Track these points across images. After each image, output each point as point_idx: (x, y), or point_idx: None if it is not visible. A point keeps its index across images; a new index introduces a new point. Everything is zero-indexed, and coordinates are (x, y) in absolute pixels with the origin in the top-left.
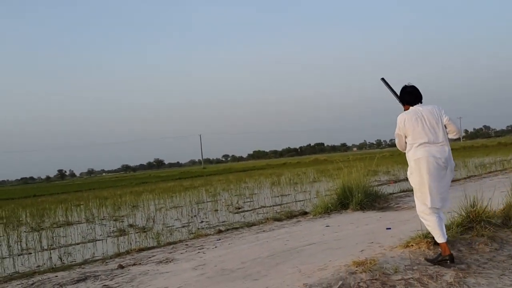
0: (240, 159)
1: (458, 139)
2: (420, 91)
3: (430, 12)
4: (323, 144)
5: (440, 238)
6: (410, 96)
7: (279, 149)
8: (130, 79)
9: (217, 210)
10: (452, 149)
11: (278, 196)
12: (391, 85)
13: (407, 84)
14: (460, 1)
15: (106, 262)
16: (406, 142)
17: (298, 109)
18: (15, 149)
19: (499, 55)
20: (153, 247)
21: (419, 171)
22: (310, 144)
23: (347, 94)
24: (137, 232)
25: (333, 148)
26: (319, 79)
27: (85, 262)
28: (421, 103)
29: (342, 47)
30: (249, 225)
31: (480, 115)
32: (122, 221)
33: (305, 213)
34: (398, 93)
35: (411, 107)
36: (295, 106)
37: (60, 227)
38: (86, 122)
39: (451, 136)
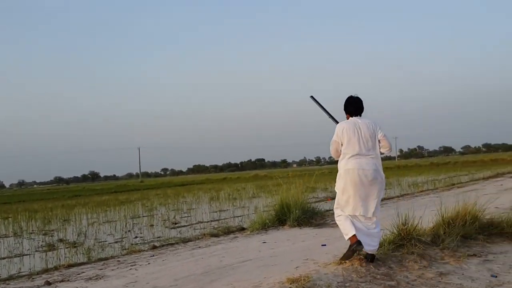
0: (180, 173)
1: (393, 157)
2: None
3: (366, 27)
4: (263, 160)
5: (347, 230)
6: (353, 107)
7: (220, 163)
8: (66, 93)
9: (152, 225)
10: (387, 168)
11: (216, 212)
12: (321, 103)
13: (353, 95)
14: (391, 19)
15: (33, 278)
16: (341, 150)
17: (239, 124)
18: None
19: (436, 76)
20: (83, 263)
21: (346, 180)
22: (251, 160)
23: (287, 111)
24: (67, 247)
25: (274, 164)
26: (261, 95)
27: (10, 278)
28: (360, 115)
29: (281, 62)
30: (185, 241)
31: (414, 135)
32: (52, 236)
33: (242, 229)
34: (328, 109)
35: (351, 118)
36: (236, 121)
37: None
38: (17, 131)
39: (383, 150)
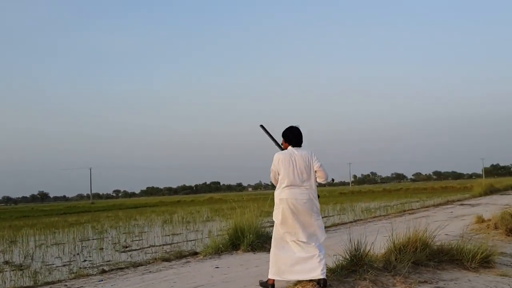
0: (132, 195)
1: (348, 183)
2: (303, 135)
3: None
4: (219, 183)
5: (272, 273)
6: (292, 137)
7: (174, 186)
8: (14, 104)
9: (102, 248)
10: (341, 194)
11: (169, 235)
12: (270, 132)
13: (294, 126)
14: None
15: None
16: (276, 175)
17: (194, 146)
18: None
19: (391, 103)
20: (29, 287)
21: (281, 210)
22: (206, 183)
23: (243, 135)
24: (13, 270)
25: (229, 188)
26: (219, 115)
27: None
28: (299, 146)
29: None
30: (136, 265)
31: (367, 161)
32: None
33: (195, 254)
34: (277, 138)
35: (289, 148)
36: (191, 143)
37: None
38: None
39: (319, 180)
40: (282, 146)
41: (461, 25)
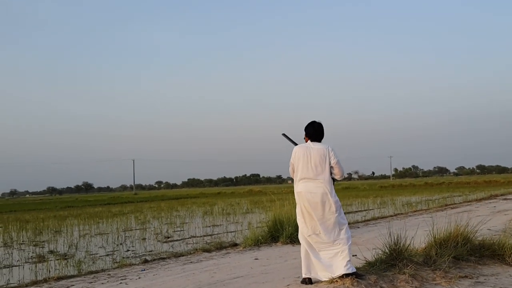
0: (174, 186)
1: (388, 176)
2: (325, 130)
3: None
4: (258, 175)
5: (303, 271)
6: (312, 131)
7: (215, 178)
8: (61, 104)
9: (145, 238)
10: (381, 187)
11: (209, 226)
12: (292, 139)
13: (316, 121)
14: (381, 41)
15: None
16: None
17: (235, 139)
18: None
19: (430, 96)
20: (73, 276)
21: (299, 203)
22: (245, 175)
23: (284, 127)
24: (57, 259)
25: (269, 180)
26: (258, 110)
27: None
28: (319, 141)
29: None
30: (177, 255)
31: (409, 155)
32: (43, 247)
33: (235, 245)
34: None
35: (308, 141)
36: (232, 136)
37: None
38: (10, 140)
39: (335, 177)
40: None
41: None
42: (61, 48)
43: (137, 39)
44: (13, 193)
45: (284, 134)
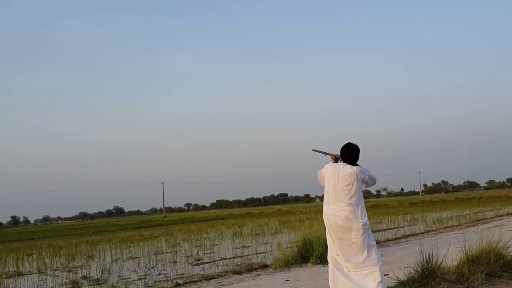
0: (203, 208)
1: (418, 192)
2: (360, 153)
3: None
4: (286, 194)
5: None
6: (346, 153)
7: (243, 198)
8: (90, 130)
9: (176, 261)
10: (411, 203)
11: (239, 248)
12: (324, 150)
13: (352, 143)
14: (424, 59)
15: None
16: (321, 180)
17: (262, 159)
18: None
19: (459, 112)
20: None
21: (325, 224)
22: (273, 195)
23: (309, 145)
24: (90, 284)
25: (296, 199)
26: (285, 128)
27: None
28: (353, 164)
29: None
30: (208, 278)
31: (438, 170)
32: (76, 272)
33: (265, 266)
34: (338, 152)
35: (340, 162)
36: (259, 156)
37: (10, 277)
38: (41, 167)
39: (368, 187)
40: (339, 158)
41: None
42: (87, 74)
43: (161, 64)
44: (46, 219)
45: (314, 149)
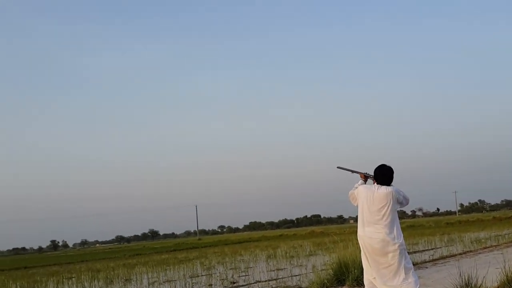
0: (236, 230)
1: (454, 212)
2: (395, 173)
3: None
4: (319, 215)
5: None
6: (380, 175)
7: (276, 220)
8: (124, 154)
9: (211, 284)
10: (448, 223)
11: (273, 270)
12: (348, 168)
13: (386, 165)
14: (455, 82)
15: None
16: (354, 200)
17: (295, 180)
18: (7, 219)
19: (495, 131)
20: None
21: (361, 246)
22: (306, 216)
23: (341, 161)
24: None
25: (330, 220)
26: (316, 151)
27: None
28: (387, 185)
29: (339, 118)
30: None
31: (475, 189)
32: None
33: None
34: (366, 171)
35: (374, 184)
36: (291, 177)
37: None
38: (79, 192)
39: (402, 208)
40: (370, 176)
41: None
42: (117, 97)
43: (194, 87)
44: (84, 243)
45: (339, 167)
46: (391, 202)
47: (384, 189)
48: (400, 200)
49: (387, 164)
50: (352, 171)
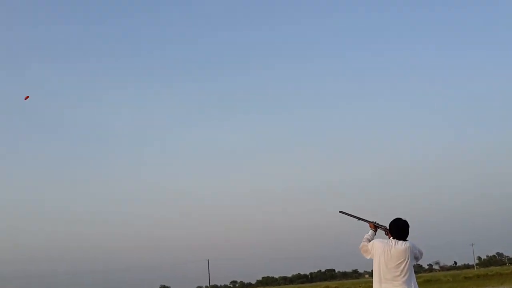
0: (249, 285)
1: (472, 266)
2: (410, 228)
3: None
4: (334, 270)
5: None
6: (395, 229)
7: (289, 275)
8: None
9: None
10: (466, 277)
11: None
12: (353, 214)
13: (401, 219)
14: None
15: None
16: (366, 253)
17: (308, 234)
18: None
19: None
20: None
21: None
22: (320, 270)
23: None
24: None
25: (344, 275)
26: (327, 204)
27: None
28: (404, 240)
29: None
30: None
31: (492, 241)
32: None
33: None
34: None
35: (390, 238)
36: (305, 231)
37: None
38: (91, 249)
39: (416, 262)
40: (381, 228)
41: None
42: (127, 154)
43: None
44: None
45: (342, 211)
46: (409, 258)
47: (402, 244)
48: (416, 256)
49: (402, 217)
50: (358, 218)
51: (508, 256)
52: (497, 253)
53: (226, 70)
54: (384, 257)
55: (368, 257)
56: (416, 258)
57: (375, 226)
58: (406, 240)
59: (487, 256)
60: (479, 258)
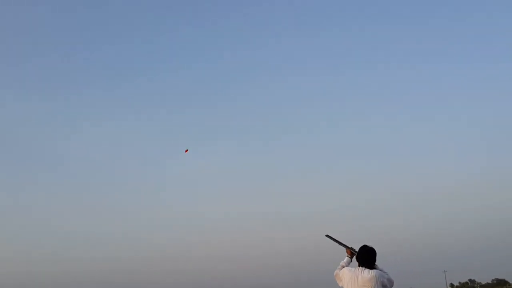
0: None
1: None
2: (377, 254)
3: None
4: None
5: None
6: (360, 257)
7: None
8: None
9: None
10: None
11: None
12: (339, 240)
13: (367, 246)
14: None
15: None
16: (338, 280)
17: (292, 259)
18: None
19: (484, 204)
20: None
21: None
22: None
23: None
24: None
25: None
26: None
27: None
28: (369, 267)
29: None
30: None
31: (465, 268)
32: None
33: None
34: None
35: (357, 267)
36: (288, 255)
37: None
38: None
39: None
40: (356, 252)
41: None
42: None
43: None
44: None
45: (328, 236)
46: (375, 287)
47: (367, 273)
48: (384, 284)
49: (369, 245)
50: (339, 243)
51: (480, 283)
52: (469, 280)
53: (225, 95)
54: (351, 286)
55: (340, 285)
56: (384, 287)
57: (351, 253)
58: (373, 268)
59: (459, 283)
60: (452, 285)
